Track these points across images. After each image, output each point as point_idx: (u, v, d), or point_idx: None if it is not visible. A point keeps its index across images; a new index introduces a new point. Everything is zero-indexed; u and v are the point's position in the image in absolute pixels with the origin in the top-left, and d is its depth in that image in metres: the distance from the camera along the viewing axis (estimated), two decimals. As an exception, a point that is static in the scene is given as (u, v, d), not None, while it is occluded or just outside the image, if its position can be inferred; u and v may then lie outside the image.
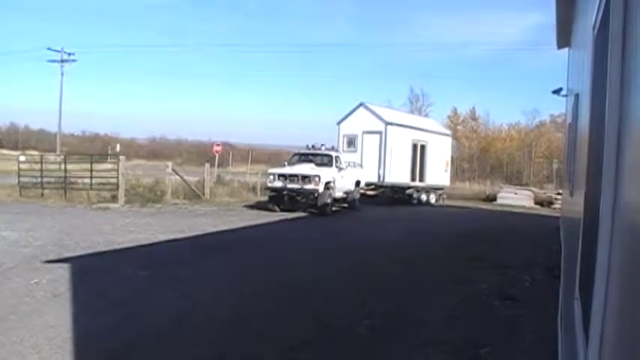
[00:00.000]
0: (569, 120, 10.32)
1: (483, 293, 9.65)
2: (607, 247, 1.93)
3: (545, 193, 39.50)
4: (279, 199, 23.31)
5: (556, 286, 8.61)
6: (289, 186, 22.93)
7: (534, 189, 42.53)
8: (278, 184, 23.25)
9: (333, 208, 23.93)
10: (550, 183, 50.10)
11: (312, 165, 23.95)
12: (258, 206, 24.84)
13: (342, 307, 8.40)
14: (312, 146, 25.97)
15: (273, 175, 23.77)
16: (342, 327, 7.37)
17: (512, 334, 7.33)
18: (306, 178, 22.72)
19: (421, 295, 9.45)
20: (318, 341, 6.74)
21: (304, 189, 22.64)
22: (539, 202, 36.79)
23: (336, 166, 24.39)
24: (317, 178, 22.53)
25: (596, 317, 1.99)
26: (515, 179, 60.07)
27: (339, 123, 31.84)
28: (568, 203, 9.58)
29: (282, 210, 23.00)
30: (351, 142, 30.93)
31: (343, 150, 29.60)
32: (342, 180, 24.41)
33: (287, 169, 23.83)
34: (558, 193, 33.04)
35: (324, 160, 24.62)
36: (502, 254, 14.05)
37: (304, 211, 23.15)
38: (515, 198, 37.17)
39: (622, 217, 1.73)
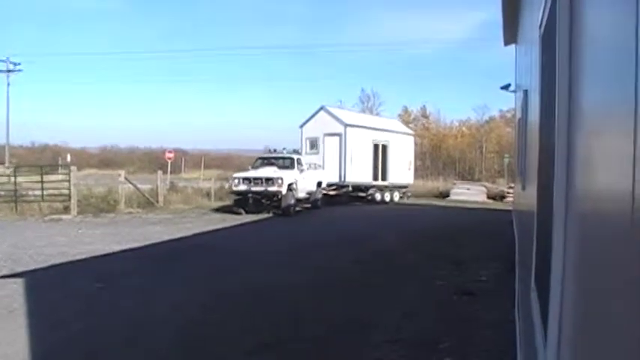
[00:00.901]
0: (518, 115, 10.51)
1: (441, 289, 9.78)
2: (562, 237, 1.98)
3: (497, 188, 40.16)
4: (244, 202, 24.07)
5: (511, 278, 8.77)
6: (253, 189, 23.80)
7: (487, 184, 43.17)
8: (242, 187, 24.09)
9: (297, 209, 24.76)
10: (502, 177, 50.91)
11: (274, 168, 24.85)
12: (223, 210, 25.30)
13: (300, 309, 8.41)
14: (274, 150, 27.48)
15: (238, 179, 24.62)
16: (299, 329, 7.39)
17: (471, 328, 7.44)
18: (269, 181, 23.57)
19: (379, 293, 9.51)
20: (275, 344, 6.73)
21: (268, 191, 23.55)
22: (492, 197, 37.36)
23: (298, 168, 25.29)
24: (280, 180, 23.40)
25: (553, 307, 2.04)
26: (468, 175, 60.94)
27: (301, 126, 32.57)
28: (520, 197, 9.75)
29: (247, 212, 23.65)
30: (313, 144, 31.67)
31: (306, 152, 30.66)
32: (304, 181, 25.33)
33: (251, 173, 24.83)
34: (510, 187, 33.61)
35: (286, 162, 25.65)
36: (458, 250, 14.23)
37: (268, 213, 23.81)
38: (469, 193, 37.68)
39: (575, 206, 1.78)
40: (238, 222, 21.06)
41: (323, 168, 29.42)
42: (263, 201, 24.02)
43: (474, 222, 22.15)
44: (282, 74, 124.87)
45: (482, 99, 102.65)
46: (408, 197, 35.80)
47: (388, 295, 9.34)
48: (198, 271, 11.35)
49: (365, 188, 32.20)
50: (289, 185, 23.85)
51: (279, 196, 23.45)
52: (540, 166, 3.46)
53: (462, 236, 17.29)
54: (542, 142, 3.32)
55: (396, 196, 34.04)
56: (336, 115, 32.07)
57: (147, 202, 26.25)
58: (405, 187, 35.61)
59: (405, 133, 37.55)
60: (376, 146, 32.95)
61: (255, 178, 23.99)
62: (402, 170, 34.92)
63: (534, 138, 4.21)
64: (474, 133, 69.75)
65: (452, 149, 67.65)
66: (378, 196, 32.45)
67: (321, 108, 32.53)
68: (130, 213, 24.00)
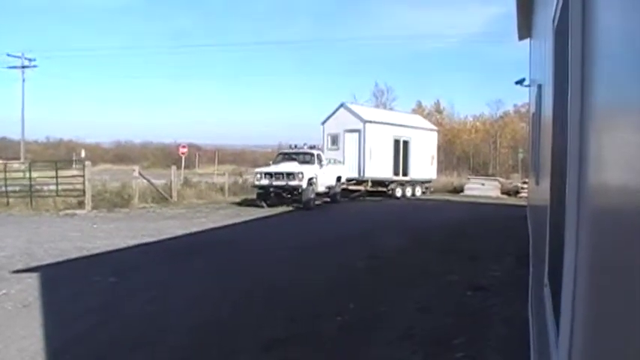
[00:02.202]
0: (532, 110, 10.45)
1: (455, 284, 9.75)
2: (574, 232, 1.97)
3: (511, 183, 39.97)
4: (266, 195, 25.12)
5: (525, 274, 8.72)
6: (275, 183, 24.75)
7: (501, 179, 42.96)
8: (264, 181, 25.05)
9: (316, 202, 25.51)
10: (516, 172, 50.70)
11: (295, 163, 25.74)
12: (240, 204, 26.50)
13: (315, 304, 8.41)
14: (295, 145, 27.98)
15: (260, 173, 25.63)
16: (313, 324, 7.39)
17: (484, 324, 7.41)
18: (290, 175, 24.51)
19: (392, 288, 9.49)
20: (289, 339, 6.74)
21: (289, 185, 24.52)
22: (506, 192, 37.18)
23: (318, 163, 26.17)
24: (300, 175, 24.26)
25: (565, 302, 2.03)
26: (482, 170, 60.69)
27: (323, 123, 33.36)
28: (534, 192, 9.72)
29: (268, 206, 24.64)
30: (335, 140, 32.41)
31: (328, 148, 31.65)
32: (323, 176, 26.20)
33: (272, 168, 25.73)
34: (524, 182, 33.47)
35: (306, 157, 26.49)
36: (472, 245, 14.17)
37: (289, 206, 24.65)
38: (483, 189, 37.53)
39: (587, 203, 1.77)
40: (253, 217, 21.14)
41: (343, 163, 30.05)
42: (284, 195, 24.74)
43: (488, 217, 22.06)
44: (294, 69, 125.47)
45: (496, 94, 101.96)
46: (431, 192, 36.07)
47: (402, 290, 9.31)
48: (213, 266, 11.39)
49: (386, 183, 32.50)
50: (309, 180, 24.60)
51: (300, 190, 24.15)
52: (553, 162, 3.44)
53: (475, 231, 17.23)
54: (556, 137, 3.30)
55: (418, 191, 34.31)
56: (355, 112, 32.60)
57: (161, 197, 26.41)
58: (427, 182, 35.99)
59: (427, 129, 37.83)
60: (397, 142, 33.28)
61: (277, 173, 24.83)
62: (424, 165, 35.16)
63: (548, 133, 4.19)
64: (488, 128, 69.52)
65: (466, 144, 67.48)
66: (399, 191, 32.69)
67: (342, 105, 33.26)
68: (144, 208, 24.14)
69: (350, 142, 31.53)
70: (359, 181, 31.56)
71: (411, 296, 8.90)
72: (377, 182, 32.12)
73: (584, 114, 1.89)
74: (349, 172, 30.12)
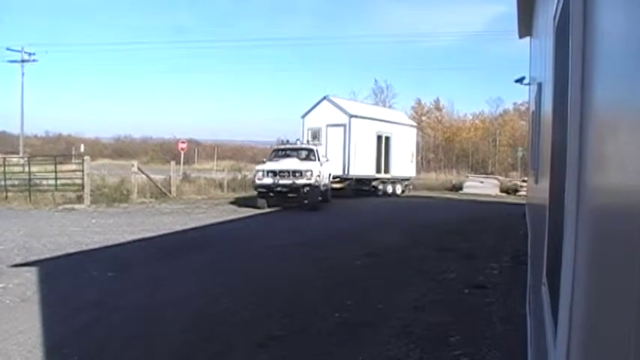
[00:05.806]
0: (532, 108, 10.44)
1: (452, 282, 9.74)
2: (573, 231, 1.97)
3: (510, 181, 40.03)
4: (268, 195, 22.89)
5: (523, 272, 8.72)
6: (281, 182, 22.49)
7: (500, 177, 43.02)
8: (267, 180, 22.66)
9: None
10: (515, 171, 50.73)
11: (296, 160, 23.79)
12: (239, 203, 25.04)
13: (311, 303, 8.40)
14: (287, 141, 26.57)
15: (262, 171, 23.05)
16: (311, 321, 7.38)
17: (482, 322, 7.41)
18: (297, 173, 22.43)
19: (390, 286, 9.48)
20: (286, 336, 6.73)
21: (296, 184, 22.33)
22: (505, 190, 37.20)
23: (319, 160, 24.20)
24: (309, 173, 22.38)
25: (564, 301, 2.03)
26: (481, 168, 60.74)
27: (303, 116, 31.72)
28: (533, 190, 9.71)
29: (269, 206, 22.83)
30: (315, 135, 30.68)
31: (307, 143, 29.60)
32: (324, 173, 24.19)
33: (276, 165, 23.38)
34: (524, 181, 33.47)
35: (304, 154, 24.65)
36: (469, 243, 14.13)
37: (292, 204, 23.09)
38: (482, 187, 37.49)
39: (586, 202, 1.77)
40: (252, 213, 21.15)
41: (327, 160, 28.45)
42: (289, 194, 22.77)
43: (487, 215, 22.00)
44: (295, 66, 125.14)
45: (496, 92, 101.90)
46: (410, 190, 35.48)
47: (399, 288, 9.31)
48: (211, 262, 11.38)
49: (368, 181, 31.60)
50: (316, 177, 22.80)
51: (308, 190, 22.33)
52: (552, 160, 3.44)
53: (473, 229, 17.19)
54: (555, 135, 3.29)
55: (399, 189, 33.54)
56: (340, 106, 31.19)
57: (160, 193, 26.41)
58: (407, 179, 35.14)
59: (407, 125, 37.03)
60: (379, 138, 32.26)
61: (282, 171, 22.64)
62: (404, 162, 34.40)
63: (547, 131, 4.19)
64: (488, 126, 69.51)
65: (465, 142, 67.44)
66: (380, 189, 32.07)
67: (324, 98, 31.54)
68: (143, 203, 24.15)
69: (333, 137, 30.27)
70: (342, 179, 29.94)
71: (408, 294, 8.88)
72: (360, 180, 30.91)
73: (584, 113, 1.88)
74: (335, 169, 28.50)
